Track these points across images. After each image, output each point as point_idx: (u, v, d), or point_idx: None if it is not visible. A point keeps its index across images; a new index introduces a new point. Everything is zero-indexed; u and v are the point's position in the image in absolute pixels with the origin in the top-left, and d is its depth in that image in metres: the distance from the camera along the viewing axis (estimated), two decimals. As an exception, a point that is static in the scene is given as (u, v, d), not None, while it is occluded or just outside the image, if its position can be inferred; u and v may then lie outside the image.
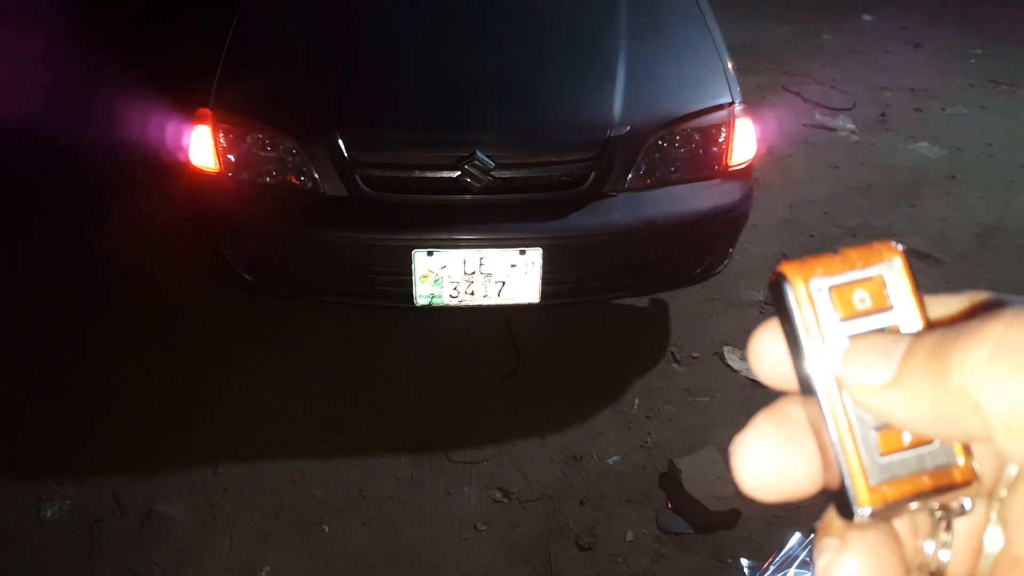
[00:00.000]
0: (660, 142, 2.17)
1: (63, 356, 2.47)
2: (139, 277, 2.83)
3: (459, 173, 2.03)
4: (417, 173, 2.05)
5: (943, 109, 4.51)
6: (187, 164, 2.16)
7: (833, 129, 4.19)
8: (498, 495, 2.03)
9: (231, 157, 2.11)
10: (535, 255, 2.05)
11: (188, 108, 2.17)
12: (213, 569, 1.84)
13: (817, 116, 4.35)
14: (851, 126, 4.23)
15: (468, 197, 2.07)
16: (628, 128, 2.11)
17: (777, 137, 4.10)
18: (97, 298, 2.73)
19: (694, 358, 2.53)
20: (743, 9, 6.12)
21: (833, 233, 3.25)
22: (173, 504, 1.99)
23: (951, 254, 3.09)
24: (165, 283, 2.80)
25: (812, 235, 3.23)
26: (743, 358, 2.53)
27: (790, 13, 6.12)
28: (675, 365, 2.50)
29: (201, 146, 2.12)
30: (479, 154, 2.02)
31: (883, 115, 4.39)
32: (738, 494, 1.97)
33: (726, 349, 2.55)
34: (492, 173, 2.04)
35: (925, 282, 2.80)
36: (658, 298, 2.78)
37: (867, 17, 6.09)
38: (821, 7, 6.27)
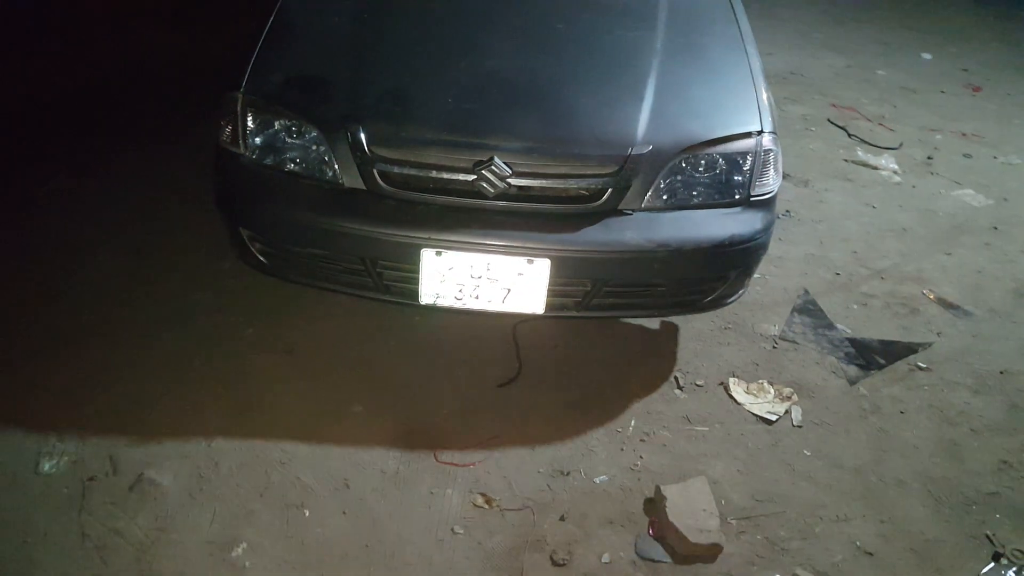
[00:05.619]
0: (683, 164, 2.15)
1: (77, 316, 2.55)
2: (156, 248, 2.92)
3: (475, 177, 2.04)
4: (434, 173, 2.06)
5: (995, 157, 4.38)
6: (215, 144, 2.21)
7: (875, 167, 4.10)
8: (480, 500, 2.03)
9: (257, 140, 2.16)
10: (543, 266, 2.05)
11: (223, 89, 2.22)
12: (193, 539, 1.88)
13: (859, 152, 4.26)
14: (894, 166, 4.13)
15: (482, 202, 2.07)
16: (650, 147, 2.09)
17: (815, 170, 4.03)
18: (113, 261, 2.82)
19: (698, 386, 2.50)
20: (797, 37, 6.04)
21: (860, 274, 3.17)
22: (164, 471, 2.03)
23: (983, 307, 2.99)
24: (183, 257, 2.87)
25: (838, 273, 3.16)
26: (748, 391, 2.49)
27: (846, 44, 6.01)
28: (677, 391, 2.47)
29: (229, 128, 2.17)
30: (497, 160, 2.03)
31: (930, 158, 4.29)
32: (722, 528, 1.96)
33: (732, 381, 2.51)
34: (508, 180, 2.04)
35: (951, 334, 2.69)
36: (669, 321, 2.75)
37: (926, 56, 5.95)
38: (879, 41, 6.14)
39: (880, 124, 4.65)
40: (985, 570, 1.93)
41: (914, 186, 3.96)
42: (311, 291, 2.32)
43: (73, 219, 3.04)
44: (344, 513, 1.97)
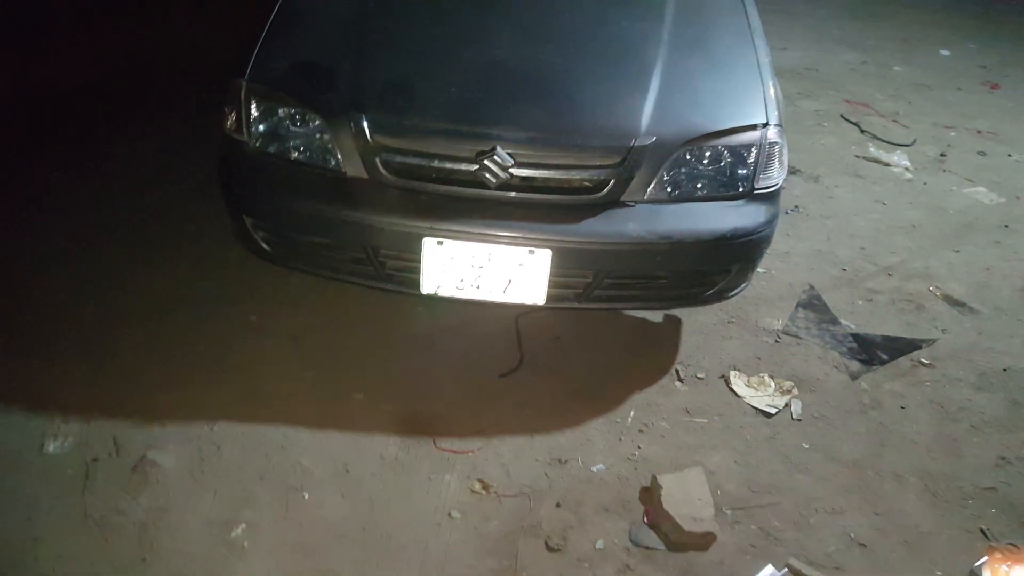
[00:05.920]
0: (687, 156, 2.15)
1: (82, 303, 2.59)
2: (161, 239, 2.95)
3: (477, 167, 2.05)
4: (436, 162, 2.08)
5: (1009, 155, 4.33)
6: (219, 131, 2.24)
7: (887, 164, 4.07)
8: (477, 487, 2.05)
9: (260, 128, 2.18)
10: (544, 256, 2.06)
11: (228, 77, 2.24)
12: (193, 519, 1.91)
13: (871, 148, 4.22)
14: (906, 163, 4.09)
15: (484, 192, 2.08)
16: (654, 139, 2.09)
17: (826, 166, 4.00)
18: (117, 252, 2.86)
19: (699, 379, 2.50)
20: (813, 32, 5.98)
21: (867, 270, 3.16)
22: (167, 453, 2.07)
23: (989, 305, 2.96)
24: (188, 247, 2.90)
25: (844, 269, 3.15)
26: (749, 384, 2.49)
27: (863, 40, 5.95)
28: (678, 383, 2.47)
29: (233, 116, 2.19)
30: (499, 150, 2.03)
31: (943, 155, 4.24)
32: (716, 518, 1.96)
33: (733, 374, 2.51)
34: (510, 170, 2.05)
35: (956, 331, 2.66)
36: (672, 314, 2.75)
37: (944, 52, 5.87)
38: (896, 37, 6.07)
39: (894, 120, 4.60)
40: (978, 563, 1.92)
41: (926, 183, 3.92)
42: (315, 280, 2.34)
43: (75, 215, 3.07)
44: (343, 497, 2.00)
